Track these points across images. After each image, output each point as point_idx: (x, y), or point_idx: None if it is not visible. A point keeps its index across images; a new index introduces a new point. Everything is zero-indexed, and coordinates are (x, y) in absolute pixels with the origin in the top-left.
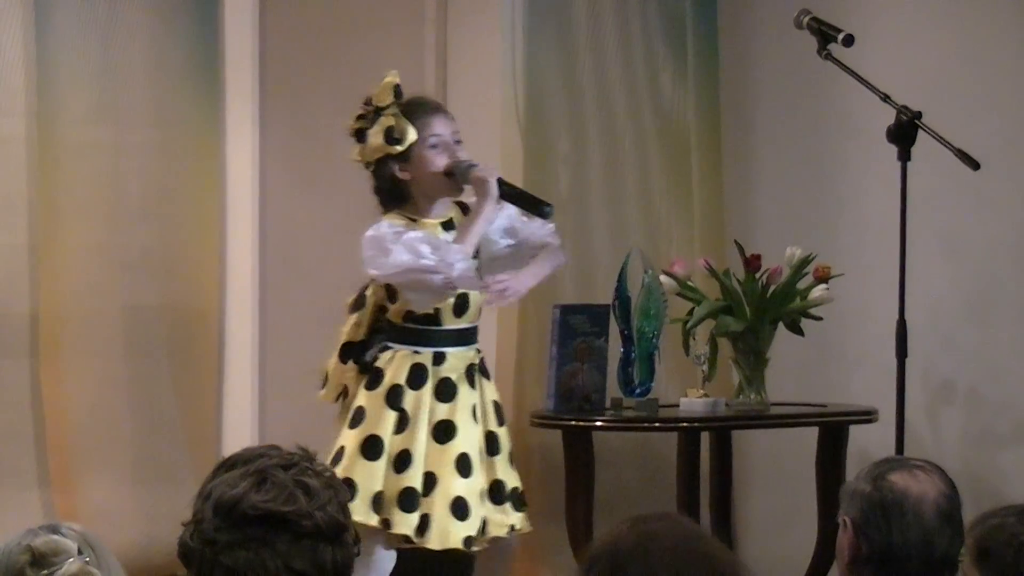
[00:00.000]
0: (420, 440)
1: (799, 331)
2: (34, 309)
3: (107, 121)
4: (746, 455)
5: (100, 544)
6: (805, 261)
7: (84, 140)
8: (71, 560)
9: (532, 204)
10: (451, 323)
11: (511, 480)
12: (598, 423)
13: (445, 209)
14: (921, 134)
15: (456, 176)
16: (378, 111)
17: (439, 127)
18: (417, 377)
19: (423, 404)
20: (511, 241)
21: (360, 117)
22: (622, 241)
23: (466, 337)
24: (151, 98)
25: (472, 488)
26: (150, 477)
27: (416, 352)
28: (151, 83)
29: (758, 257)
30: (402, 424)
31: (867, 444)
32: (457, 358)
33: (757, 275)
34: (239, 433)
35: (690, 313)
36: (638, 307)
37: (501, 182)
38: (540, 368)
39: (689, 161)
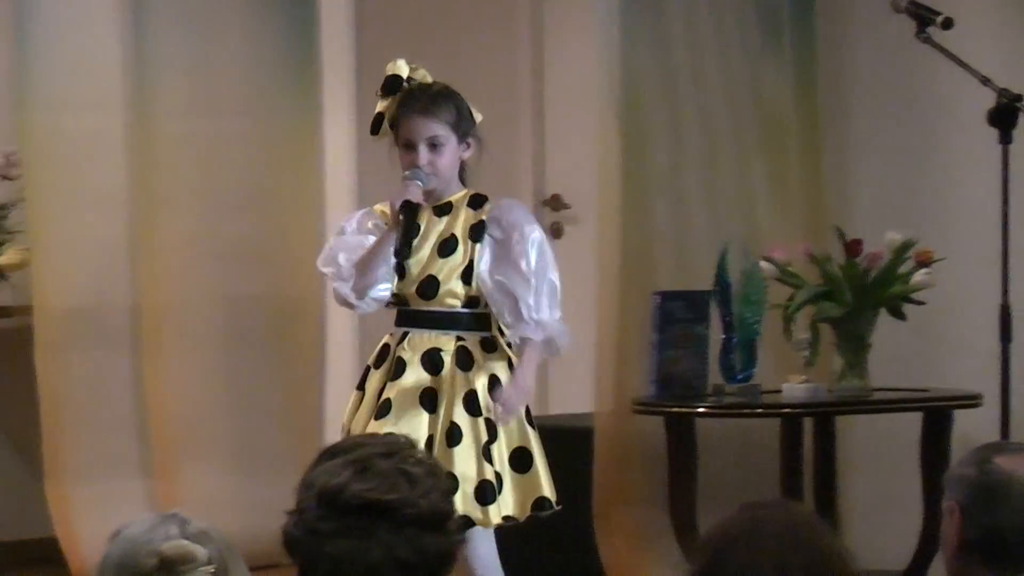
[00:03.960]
0: (362, 420)
1: (901, 316)
2: (135, 301)
3: (204, 112)
4: (848, 441)
5: (229, 546)
6: (906, 246)
7: (181, 131)
8: (199, 569)
9: (398, 241)
10: (416, 305)
11: (473, 472)
12: (700, 409)
13: (453, 191)
14: (1022, 116)
15: None
16: (382, 93)
17: (411, 131)
18: (381, 357)
19: (376, 383)
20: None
21: (381, 87)
22: (720, 228)
23: (434, 321)
24: (248, 88)
25: None
26: (252, 466)
27: (392, 335)
28: (248, 73)
29: (859, 242)
30: (361, 404)
31: (971, 429)
32: (420, 340)
33: (857, 260)
34: (341, 421)
35: (790, 299)
36: (738, 293)
37: (404, 206)
38: (641, 355)
39: (787, 147)
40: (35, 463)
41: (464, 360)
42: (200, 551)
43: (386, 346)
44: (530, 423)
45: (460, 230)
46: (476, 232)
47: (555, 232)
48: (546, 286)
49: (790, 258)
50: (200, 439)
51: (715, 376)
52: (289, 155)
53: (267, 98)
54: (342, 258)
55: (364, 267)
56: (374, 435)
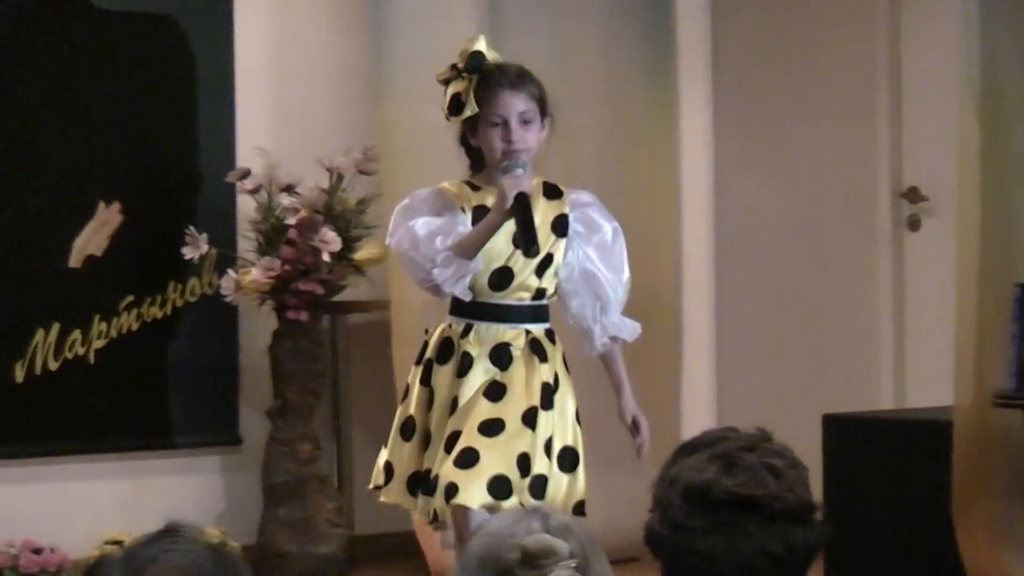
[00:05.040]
0: (437, 420)
1: None
2: None
3: (561, 106)
4: None
5: (591, 540)
6: None
7: None
8: (562, 564)
9: (524, 237)
10: (486, 297)
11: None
12: None
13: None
14: None
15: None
16: (459, 72)
17: (502, 106)
18: (444, 351)
19: (446, 380)
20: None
21: (452, 67)
22: None
23: (504, 314)
24: (604, 80)
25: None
26: (610, 460)
27: (450, 326)
28: (604, 65)
29: None
30: (431, 402)
31: None
32: (486, 333)
33: None
34: (697, 416)
35: None
36: None
37: (519, 199)
38: (1001, 347)
39: None
40: None
41: (539, 351)
42: (562, 545)
43: (448, 339)
44: (578, 420)
45: (539, 222)
46: (560, 226)
47: (912, 225)
48: (626, 286)
49: None
50: None
51: None
52: (646, 148)
53: (623, 89)
54: (439, 241)
55: (466, 253)
56: (732, 428)
